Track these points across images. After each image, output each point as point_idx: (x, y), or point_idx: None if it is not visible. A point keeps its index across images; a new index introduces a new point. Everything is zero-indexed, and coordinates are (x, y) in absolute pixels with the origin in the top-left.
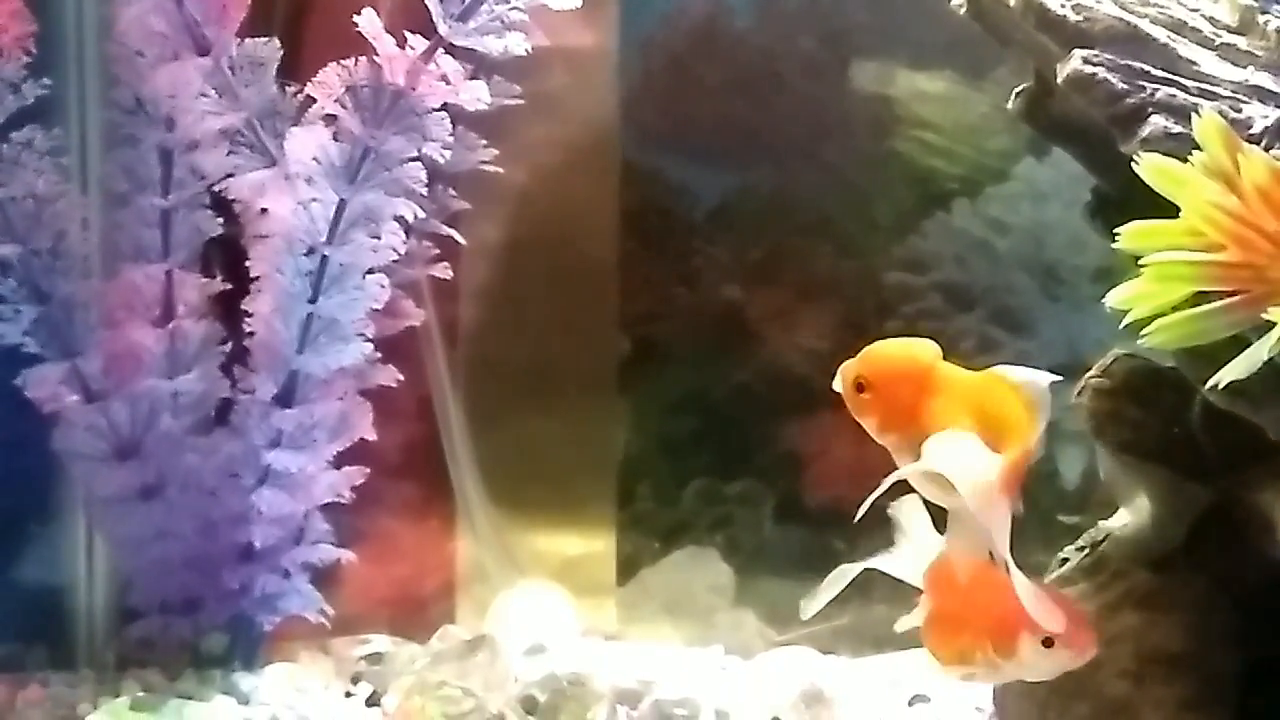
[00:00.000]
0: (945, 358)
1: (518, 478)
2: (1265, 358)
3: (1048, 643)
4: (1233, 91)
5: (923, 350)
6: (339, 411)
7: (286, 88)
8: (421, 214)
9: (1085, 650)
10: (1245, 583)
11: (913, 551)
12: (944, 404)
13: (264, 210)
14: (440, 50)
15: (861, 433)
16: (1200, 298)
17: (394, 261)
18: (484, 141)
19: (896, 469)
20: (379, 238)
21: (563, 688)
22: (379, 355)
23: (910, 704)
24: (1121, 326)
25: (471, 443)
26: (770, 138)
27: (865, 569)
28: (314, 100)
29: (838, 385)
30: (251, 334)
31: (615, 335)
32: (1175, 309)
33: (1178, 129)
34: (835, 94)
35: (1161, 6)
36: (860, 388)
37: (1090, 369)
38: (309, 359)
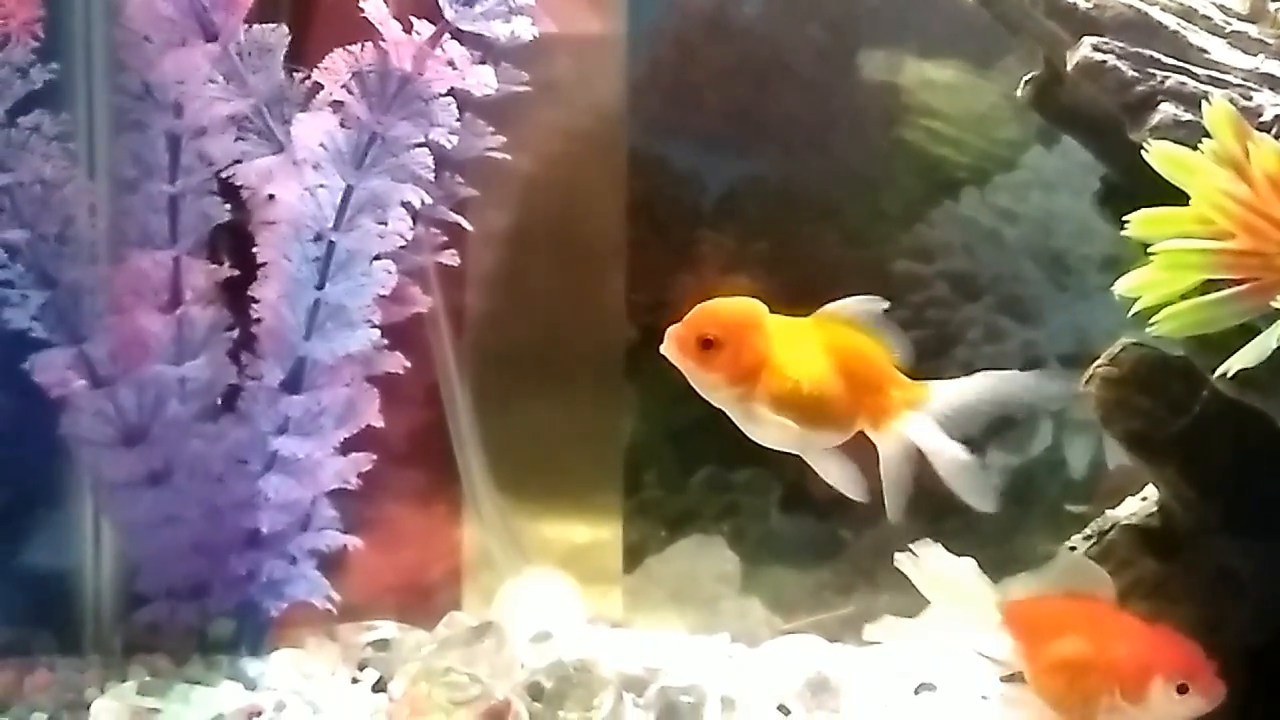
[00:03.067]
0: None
1: (524, 465)
2: (1274, 346)
3: (1182, 689)
4: (1243, 79)
5: (754, 303)
6: (346, 398)
7: (294, 74)
8: (428, 200)
9: (1218, 697)
10: (1253, 571)
11: (954, 603)
12: (792, 348)
13: (271, 196)
14: (447, 35)
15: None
16: (1209, 286)
17: (401, 248)
18: (491, 128)
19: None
20: (386, 224)
21: (569, 675)
22: (386, 342)
23: (916, 693)
24: (1130, 314)
25: (478, 430)
26: (778, 126)
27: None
28: (321, 86)
29: (670, 348)
30: (259, 320)
31: (622, 323)
32: (1184, 297)
33: (1188, 117)
34: (843, 82)
35: None
36: (708, 344)
37: (1099, 358)
38: (316, 345)
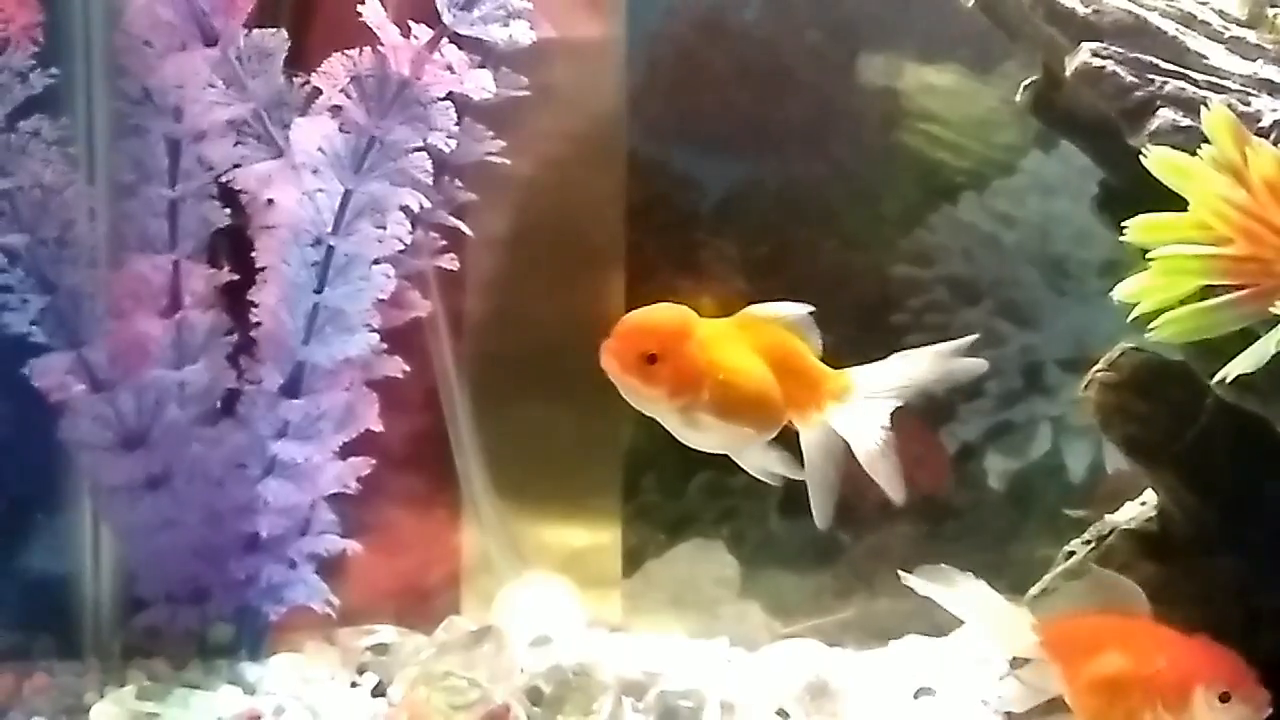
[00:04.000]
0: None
1: (523, 469)
2: (1273, 351)
3: (1224, 697)
4: (1242, 85)
5: (685, 310)
6: (345, 402)
7: (293, 78)
8: (427, 204)
9: (1262, 705)
10: (1253, 574)
11: (988, 625)
12: (727, 352)
13: (270, 201)
14: (445, 40)
15: None
16: (1208, 291)
17: (400, 252)
18: (490, 132)
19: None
20: (385, 228)
21: (568, 679)
22: (385, 346)
23: (916, 696)
24: (1129, 320)
25: (477, 434)
26: (777, 130)
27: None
28: (320, 91)
29: (611, 367)
30: (258, 325)
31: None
32: (1183, 303)
33: (1186, 122)
34: (842, 86)
35: None
36: (652, 359)
37: (1098, 363)
38: (315, 350)
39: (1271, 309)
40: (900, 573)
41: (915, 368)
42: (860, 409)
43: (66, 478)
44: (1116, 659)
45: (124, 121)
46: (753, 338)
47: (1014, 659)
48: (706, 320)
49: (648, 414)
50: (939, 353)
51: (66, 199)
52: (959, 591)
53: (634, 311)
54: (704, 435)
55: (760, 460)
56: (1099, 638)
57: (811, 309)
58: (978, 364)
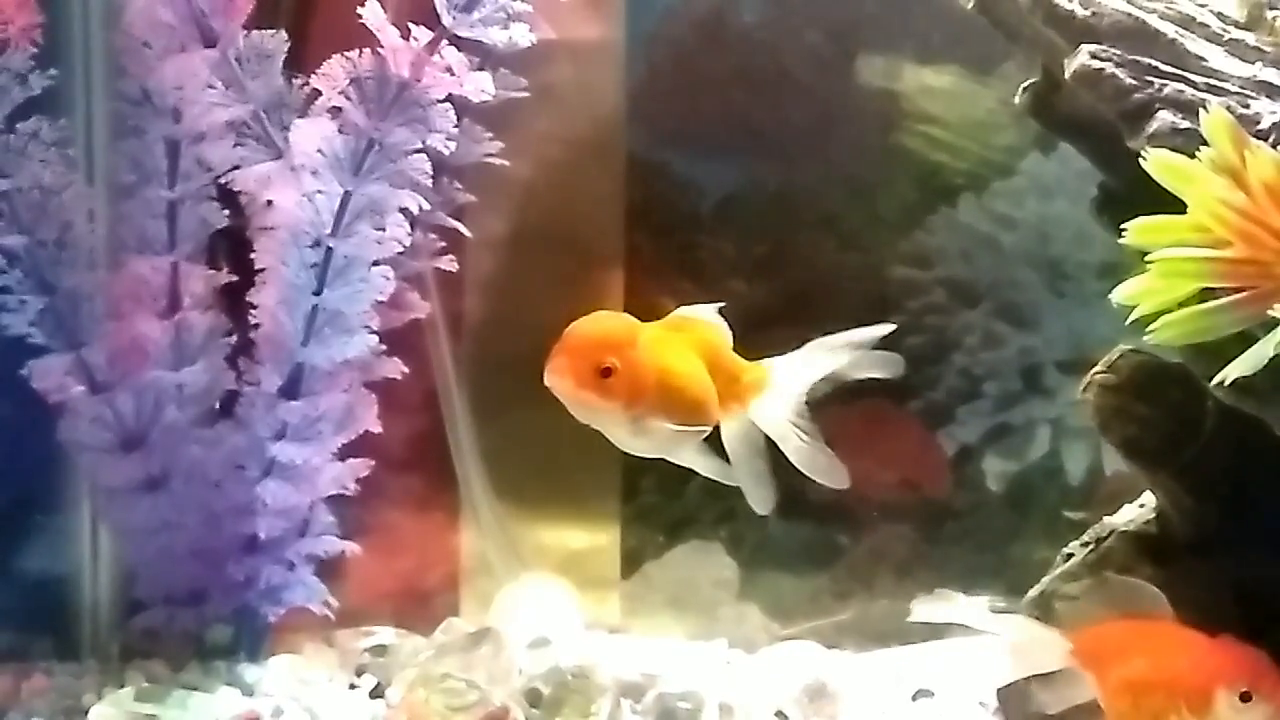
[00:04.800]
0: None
1: (522, 471)
2: (1271, 354)
3: (1245, 697)
4: (1240, 87)
5: (627, 318)
6: (344, 404)
7: (292, 80)
8: (426, 206)
9: None
10: (1251, 577)
11: (1022, 641)
12: (668, 357)
13: (269, 202)
14: (444, 42)
15: (870, 426)
16: (1207, 294)
17: (399, 254)
18: (489, 134)
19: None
20: (384, 230)
21: (566, 681)
22: (384, 347)
23: (914, 699)
24: (1128, 322)
25: (476, 436)
26: (776, 132)
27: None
28: (319, 92)
29: (564, 384)
30: (257, 326)
31: None
32: (1181, 305)
33: (1185, 125)
34: (842, 88)
35: (1169, 2)
36: (606, 372)
37: (1096, 364)
38: (314, 351)
39: (1270, 312)
40: (923, 604)
41: (830, 355)
42: (779, 398)
43: (65, 479)
44: (1141, 663)
45: (123, 123)
46: (686, 339)
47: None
48: (645, 326)
49: (593, 426)
50: (853, 340)
51: (65, 200)
52: (985, 613)
53: (576, 325)
54: (649, 441)
55: (708, 460)
56: (1126, 643)
57: (720, 305)
58: (894, 359)
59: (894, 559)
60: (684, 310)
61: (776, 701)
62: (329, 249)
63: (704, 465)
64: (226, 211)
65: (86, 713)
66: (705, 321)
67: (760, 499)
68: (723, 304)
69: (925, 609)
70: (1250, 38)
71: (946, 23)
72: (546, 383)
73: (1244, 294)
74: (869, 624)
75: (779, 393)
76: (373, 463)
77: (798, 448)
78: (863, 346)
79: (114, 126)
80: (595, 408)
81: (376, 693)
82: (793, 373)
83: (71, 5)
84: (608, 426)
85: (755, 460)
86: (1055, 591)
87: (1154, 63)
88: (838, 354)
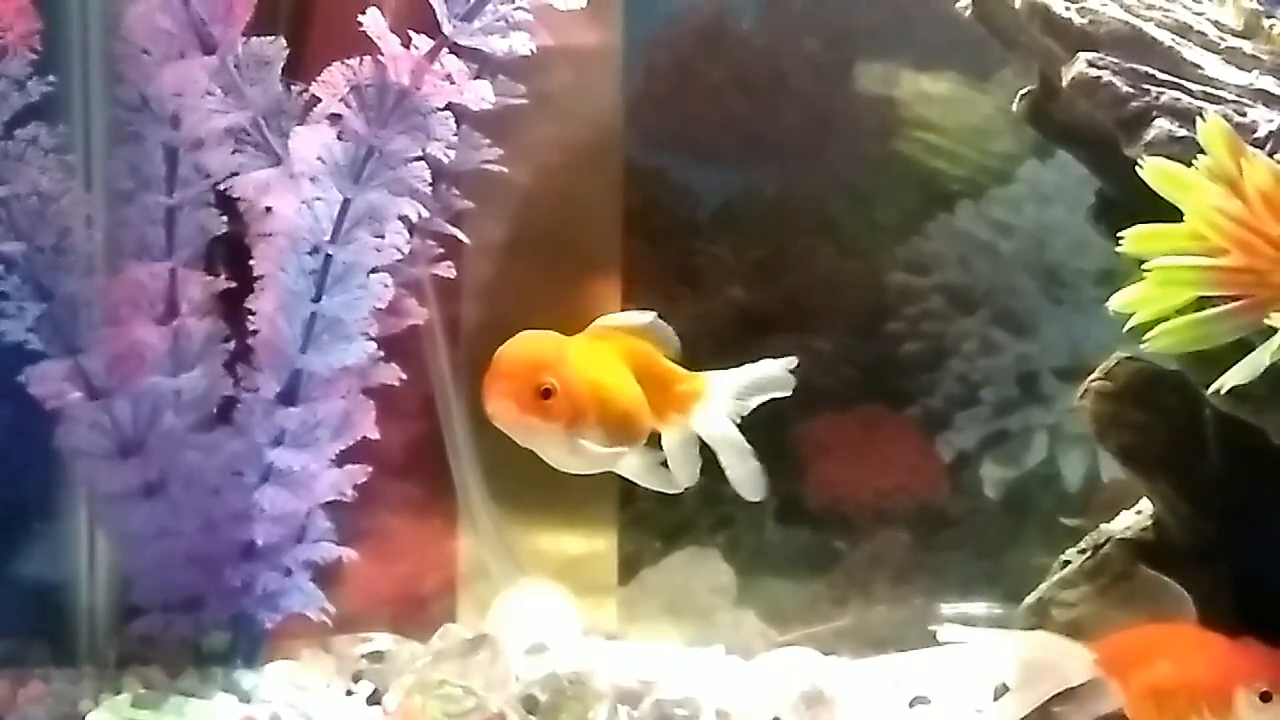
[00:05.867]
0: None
1: (519, 477)
2: (1267, 363)
3: (1265, 696)
4: (1237, 95)
5: (556, 335)
6: (342, 410)
7: (292, 87)
8: (425, 213)
9: None
10: (1249, 584)
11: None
12: (600, 371)
13: (268, 209)
14: (445, 50)
15: (867, 432)
16: (1204, 302)
17: (397, 260)
18: (488, 141)
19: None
20: (383, 236)
21: (563, 687)
22: (382, 354)
23: (911, 705)
24: (1125, 330)
25: (473, 442)
26: (774, 138)
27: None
28: (319, 99)
29: (505, 409)
30: (255, 332)
31: None
32: (1178, 313)
33: (1182, 133)
34: (839, 95)
35: (1166, 10)
36: (547, 394)
37: (1093, 371)
38: (312, 357)
39: (1266, 320)
40: (947, 628)
41: (768, 376)
42: (718, 409)
43: (62, 485)
44: (1162, 667)
45: (122, 129)
46: (615, 350)
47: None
48: (571, 341)
49: (531, 448)
50: (788, 365)
51: (63, 206)
52: (1009, 634)
53: (507, 348)
54: (586, 459)
55: (647, 469)
56: (1148, 648)
57: (653, 315)
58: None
59: (891, 565)
60: (606, 319)
61: (773, 708)
62: (328, 256)
63: (644, 477)
64: (225, 218)
65: (83, 719)
66: (630, 330)
67: (751, 485)
68: (655, 311)
69: (949, 632)
70: (1247, 46)
71: (944, 30)
72: (487, 410)
73: (1241, 302)
74: (866, 630)
75: (718, 403)
76: (370, 469)
77: (736, 460)
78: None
79: (113, 133)
80: (537, 430)
81: (373, 699)
82: (730, 385)
83: (70, 11)
84: (546, 448)
85: (694, 470)
86: (1052, 599)
87: (1151, 70)
88: (775, 375)
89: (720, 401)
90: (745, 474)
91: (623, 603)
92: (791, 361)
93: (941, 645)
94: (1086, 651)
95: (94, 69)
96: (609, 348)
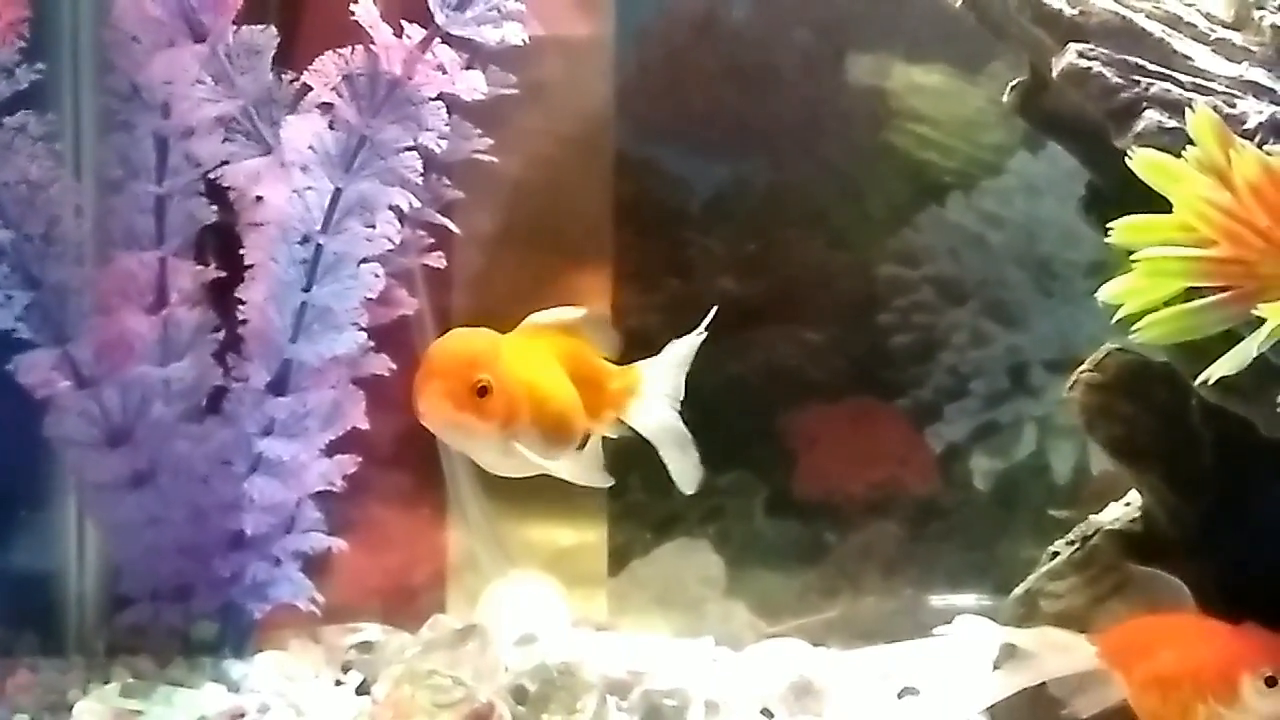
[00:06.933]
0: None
1: None
2: (1255, 353)
3: (1270, 681)
4: (1227, 87)
5: (489, 332)
6: (332, 400)
7: (283, 76)
8: (416, 203)
9: None
10: (1237, 576)
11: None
12: (534, 370)
13: (259, 198)
14: (437, 39)
15: (857, 424)
16: (1192, 293)
17: (388, 250)
18: (479, 131)
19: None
20: (374, 226)
21: (553, 678)
22: (372, 344)
23: (899, 696)
24: (1113, 321)
25: None
26: (765, 129)
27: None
28: (310, 88)
29: (439, 406)
30: (245, 322)
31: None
32: (1167, 304)
33: (1172, 124)
34: (831, 86)
35: (1157, 1)
36: (483, 391)
37: (1083, 363)
38: (302, 347)
39: (1254, 311)
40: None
41: (689, 353)
42: (657, 401)
43: (51, 474)
44: (1166, 657)
45: (111, 117)
46: (548, 348)
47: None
48: (504, 338)
49: (464, 450)
50: (698, 338)
51: (52, 195)
52: (1009, 630)
53: (439, 345)
54: (518, 461)
55: (581, 468)
56: (1150, 639)
57: (584, 312)
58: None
59: (880, 557)
60: (537, 317)
61: (762, 699)
62: (319, 245)
63: (578, 476)
64: (215, 207)
65: (71, 708)
66: (562, 328)
67: (690, 477)
68: (585, 309)
69: (958, 624)
70: (1237, 37)
71: (935, 21)
72: (419, 409)
73: (1229, 293)
74: (855, 622)
75: (655, 396)
76: (360, 459)
77: (678, 452)
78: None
79: (102, 121)
80: (472, 431)
81: (362, 689)
82: (663, 375)
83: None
84: (479, 450)
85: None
86: (1040, 590)
87: (1141, 62)
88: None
89: (658, 393)
90: (686, 466)
91: (613, 594)
92: (701, 335)
93: (937, 635)
94: (1088, 644)
95: (84, 57)
96: (543, 346)
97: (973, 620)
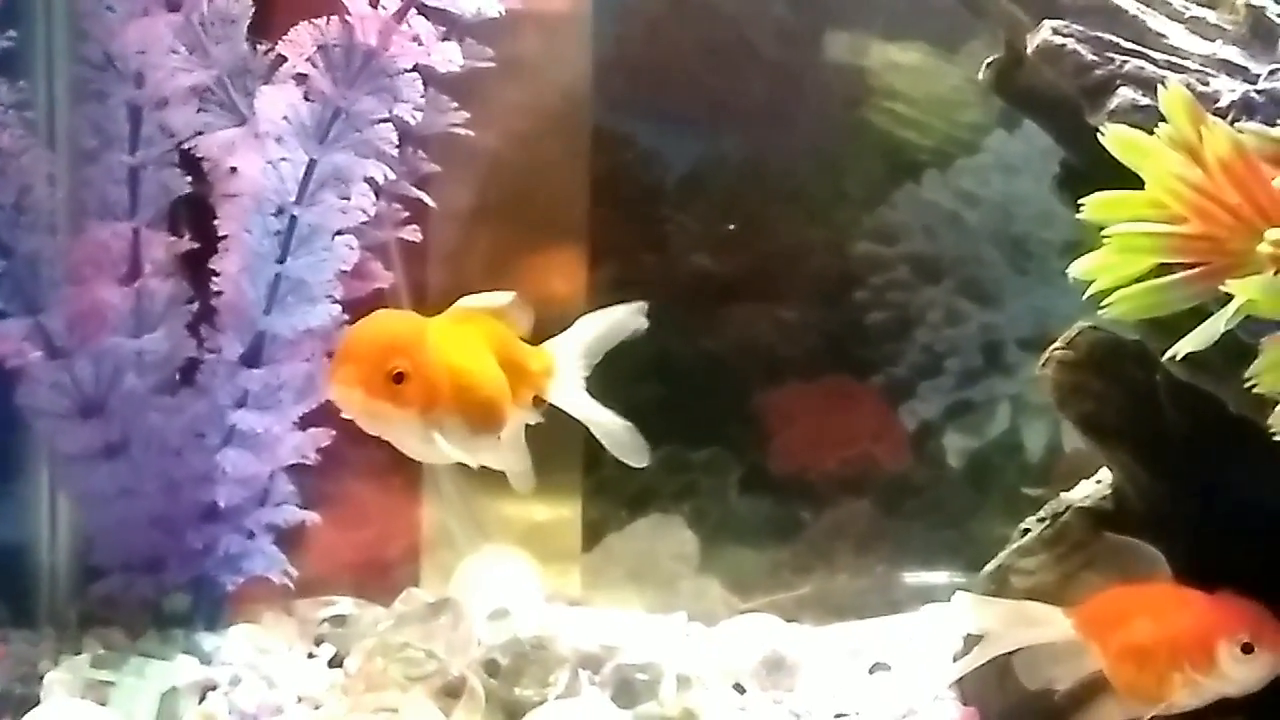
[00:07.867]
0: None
1: None
2: (1223, 330)
3: (1246, 648)
4: (1201, 65)
5: (413, 315)
6: (305, 373)
7: (257, 46)
8: (391, 175)
9: None
10: (1206, 553)
11: (1027, 627)
12: (460, 355)
13: (233, 169)
14: (413, 11)
15: (832, 401)
16: (1163, 269)
17: (363, 223)
18: (455, 103)
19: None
20: (348, 199)
21: (525, 652)
22: (347, 317)
23: (871, 672)
24: (1085, 297)
25: None
26: (742, 106)
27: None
28: (285, 59)
29: (350, 393)
30: (218, 293)
31: (583, 301)
32: (1137, 280)
33: (1146, 101)
34: (808, 63)
35: None
36: (400, 378)
37: (1056, 341)
38: (276, 319)
39: (1223, 287)
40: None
41: (604, 329)
42: (571, 379)
43: (23, 445)
44: (1141, 626)
45: (85, 86)
46: (473, 333)
47: (968, 636)
48: (430, 322)
49: (384, 437)
50: (622, 314)
51: (24, 164)
52: (983, 606)
53: (358, 327)
54: (440, 450)
55: (510, 457)
56: (1125, 609)
57: (511, 297)
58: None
59: (853, 534)
60: (466, 300)
61: (735, 674)
62: (293, 217)
63: (504, 464)
64: (189, 178)
65: (42, 679)
66: (491, 312)
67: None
68: (513, 293)
69: (954, 610)
70: (1211, 15)
71: None
72: (332, 394)
73: (1198, 270)
74: (828, 598)
75: (569, 373)
76: (334, 432)
77: (607, 424)
78: (628, 319)
79: (75, 90)
80: (389, 418)
81: (335, 662)
82: (572, 351)
83: None
84: (400, 437)
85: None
86: (1011, 566)
87: (1115, 39)
88: (606, 322)
89: (572, 371)
90: (620, 440)
91: (586, 569)
92: (639, 307)
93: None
94: (1062, 616)
95: (57, 25)
96: (471, 330)
97: (968, 597)
